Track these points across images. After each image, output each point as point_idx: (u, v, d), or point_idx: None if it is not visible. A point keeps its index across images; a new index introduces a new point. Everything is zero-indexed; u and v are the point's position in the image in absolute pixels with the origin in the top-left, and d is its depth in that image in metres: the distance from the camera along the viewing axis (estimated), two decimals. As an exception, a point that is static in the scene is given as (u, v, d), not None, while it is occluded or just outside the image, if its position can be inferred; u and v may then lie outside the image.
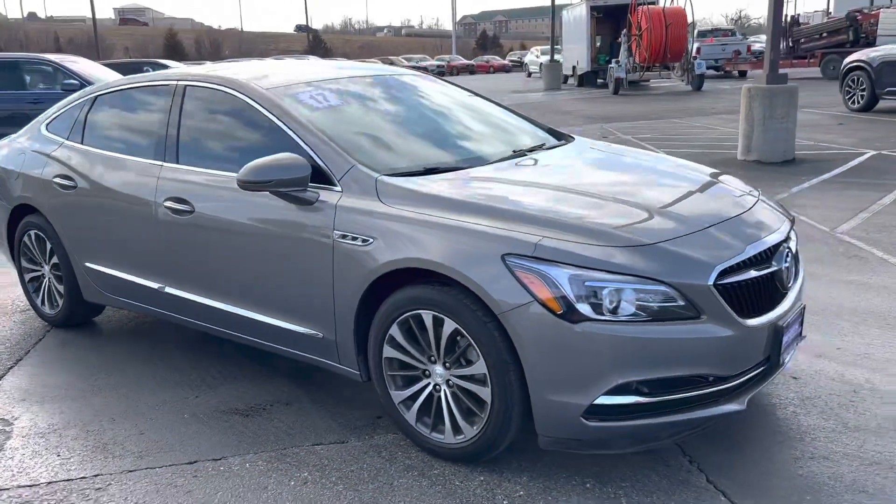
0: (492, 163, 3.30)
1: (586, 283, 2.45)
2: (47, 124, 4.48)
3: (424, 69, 53.32)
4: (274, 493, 2.71)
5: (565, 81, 30.28)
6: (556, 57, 29.58)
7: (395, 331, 2.83)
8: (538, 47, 46.32)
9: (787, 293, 2.84)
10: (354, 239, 2.87)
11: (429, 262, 2.67)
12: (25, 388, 3.68)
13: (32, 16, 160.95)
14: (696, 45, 27.34)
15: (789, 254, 2.84)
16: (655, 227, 2.65)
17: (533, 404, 2.55)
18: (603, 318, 2.44)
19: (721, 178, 3.41)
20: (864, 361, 3.58)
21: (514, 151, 3.53)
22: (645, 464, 2.78)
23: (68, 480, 2.84)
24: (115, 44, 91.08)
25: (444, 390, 2.79)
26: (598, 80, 26.27)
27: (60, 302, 4.42)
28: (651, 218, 2.72)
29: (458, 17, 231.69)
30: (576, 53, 28.17)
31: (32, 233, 4.44)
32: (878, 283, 4.65)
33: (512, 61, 59.88)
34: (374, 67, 4.32)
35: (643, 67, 23.10)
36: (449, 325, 2.67)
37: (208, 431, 3.18)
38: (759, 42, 35.66)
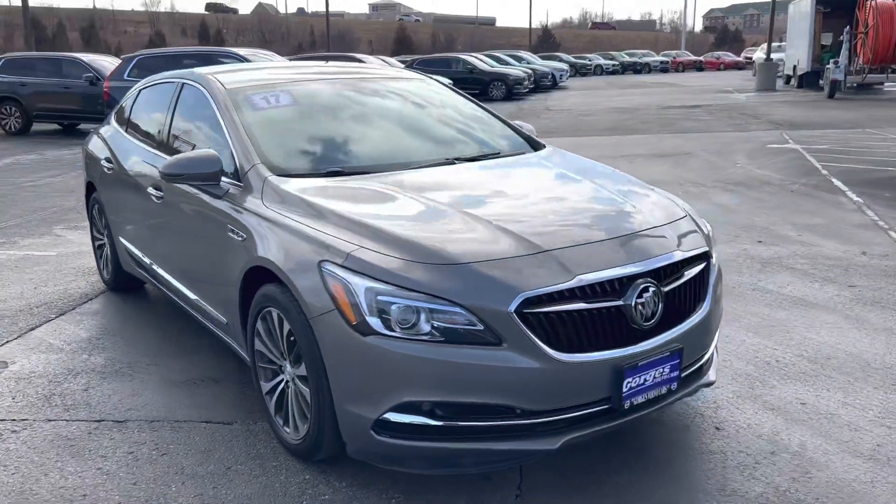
0: (407, 169, 3.30)
1: (378, 297, 2.42)
2: (115, 113, 5.12)
3: (646, 64, 51.88)
4: (135, 456, 2.97)
5: (787, 82, 27.87)
6: (775, 55, 27.29)
7: (259, 325, 2.97)
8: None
9: (648, 331, 2.56)
10: (238, 234, 3.05)
11: (268, 262, 2.78)
12: (42, 338, 4.30)
13: (301, 11, 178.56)
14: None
15: (650, 288, 2.55)
16: (480, 246, 2.54)
17: (336, 412, 2.57)
18: (392, 333, 2.40)
19: (643, 196, 3.16)
20: (819, 422, 3.09)
21: (447, 159, 3.48)
22: (472, 489, 2.67)
23: (1, 420, 3.33)
24: (360, 37, 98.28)
25: (291, 387, 2.88)
26: (820, 82, 23.84)
27: (111, 268, 5.06)
28: (487, 237, 2.59)
29: (706, 11, 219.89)
30: (798, 52, 25.77)
31: (95, 206, 5.12)
32: (931, 336, 3.93)
33: (746, 58, 55.94)
34: (376, 71, 4.41)
35: (868, 69, 20.54)
36: (286, 325, 2.76)
37: (136, 396, 3.52)
38: None
